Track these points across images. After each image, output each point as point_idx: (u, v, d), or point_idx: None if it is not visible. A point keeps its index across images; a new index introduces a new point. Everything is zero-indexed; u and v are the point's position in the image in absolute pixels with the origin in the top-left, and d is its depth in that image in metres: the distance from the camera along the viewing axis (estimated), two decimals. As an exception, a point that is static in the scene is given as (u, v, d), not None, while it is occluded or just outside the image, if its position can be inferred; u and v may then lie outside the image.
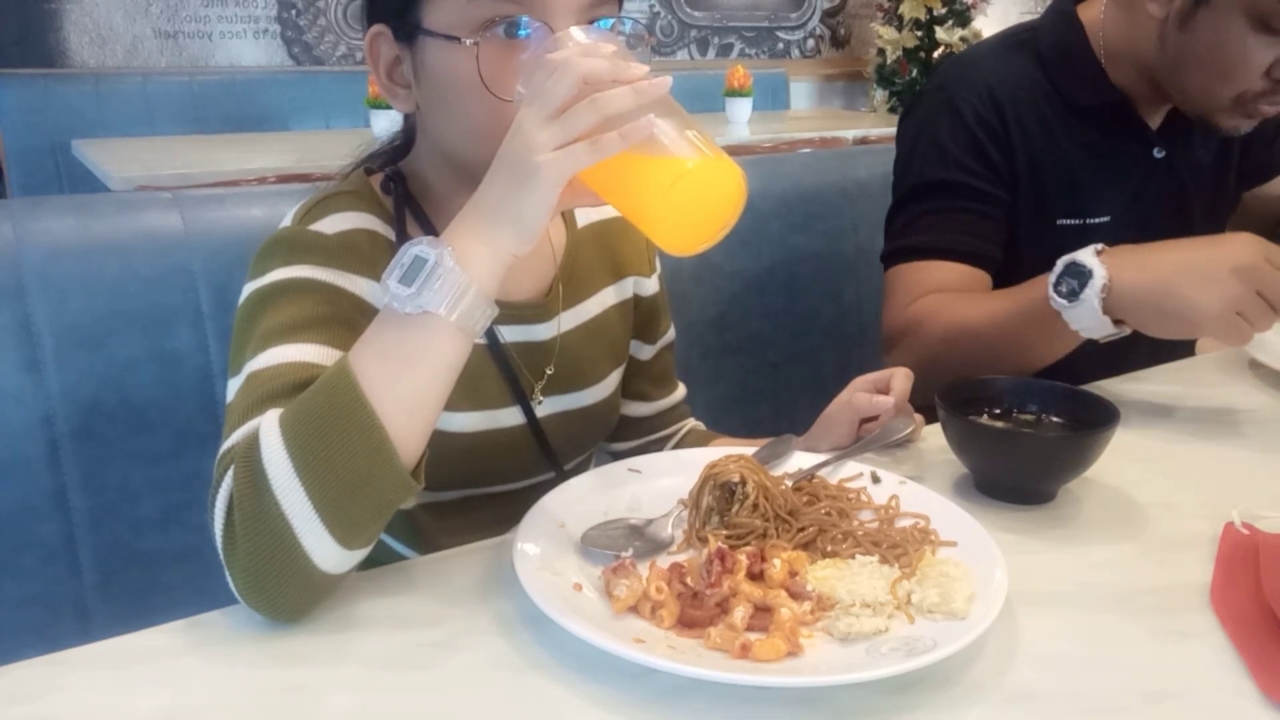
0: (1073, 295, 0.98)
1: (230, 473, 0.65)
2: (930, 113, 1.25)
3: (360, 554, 0.67)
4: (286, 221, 0.84)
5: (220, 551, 0.65)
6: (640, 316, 1.05)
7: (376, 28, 0.82)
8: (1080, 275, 0.99)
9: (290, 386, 0.70)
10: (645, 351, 1.08)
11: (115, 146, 2.75)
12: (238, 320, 0.78)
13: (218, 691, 0.60)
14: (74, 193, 2.93)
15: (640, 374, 1.08)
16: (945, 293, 1.18)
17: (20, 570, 1.00)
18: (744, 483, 0.77)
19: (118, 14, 3.43)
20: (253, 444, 0.64)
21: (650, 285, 1.05)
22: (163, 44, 3.53)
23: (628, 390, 1.06)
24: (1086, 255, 0.99)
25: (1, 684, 0.60)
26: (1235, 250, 0.96)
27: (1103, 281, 0.97)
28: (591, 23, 0.77)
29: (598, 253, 1.00)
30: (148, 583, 1.05)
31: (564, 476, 0.94)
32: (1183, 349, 1.33)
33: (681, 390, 1.13)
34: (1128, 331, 1.00)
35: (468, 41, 0.75)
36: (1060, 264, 1.01)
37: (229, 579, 0.65)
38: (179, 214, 1.06)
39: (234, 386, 0.74)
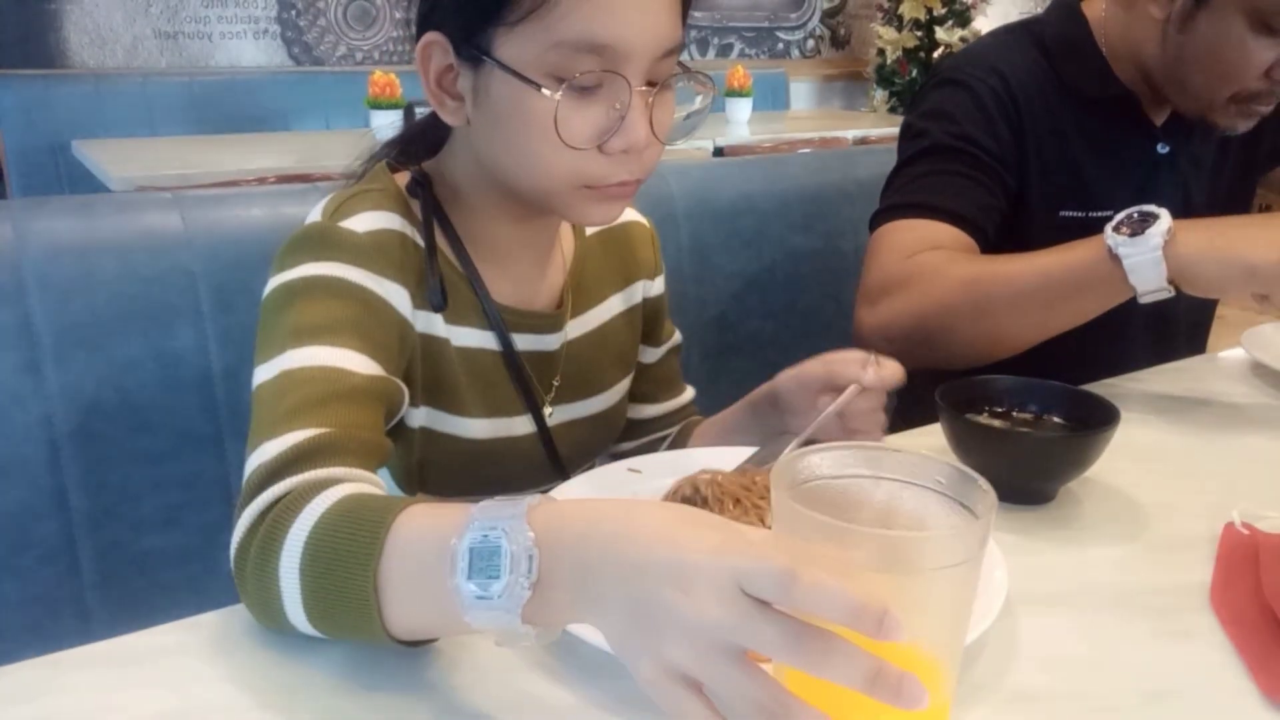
0: (1136, 234, 0.98)
1: (261, 505, 0.64)
2: (942, 92, 1.25)
3: None
4: (315, 216, 0.82)
5: (231, 561, 0.65)
6: (645, 319, 1.05)
7: (433, 36, 0.78)
8: (1146, 219, 0.99)
9: (326, 396, 0.70)
10: (650, 355, 1.07)
11: (115, 147, 2.75)
12: (265, 311, 0.77)
13: (218, 692, 0.60)
14: (74, 193, 2.94)
15: (645, 377, 1.07)
16: (955, 250, 1.15)
17: (20, 570, 1.00)
18: (702, 497, 0.76)
19: (118, 14, 3.43)
20: (289, 513, 0.62)
21: (655, 287, 1.05)
22: (163, 44, 3.53)
23: (634, 393, 1.06)
24: (1150, 206, 1.00)
25: (1, 684, 0.60)
26: None
27: (1169, 224, 0.97)
28: (656, 83, 0.75)
29: (604, 259, 0.99)
30: (148, 583, 1.05)
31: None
32: (1185, 349, 1.34)
33: (689, 393, 1.12)
34: (1171, 293, 0.99)
35: (547, 92, 0.73)
36: (1122, 213, 1.01)
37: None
38: (179, 214, 1.06)
39: (263, 376, 0.73)
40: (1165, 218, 0.98)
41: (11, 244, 0.97)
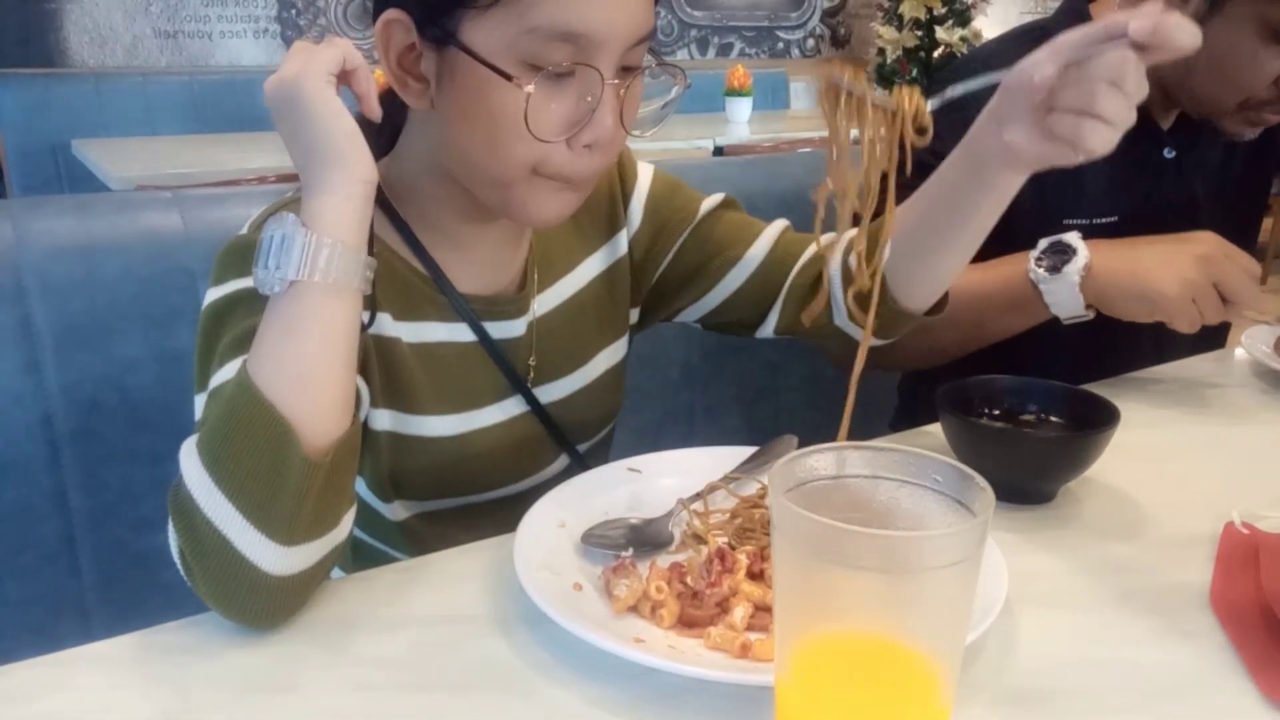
0: (1054, 270, 1.06)
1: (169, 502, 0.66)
2: (934, 104, 1.25)
3: (307, 550, 0.65)
4: (244, 229, 0.80)
5: (185, 578, 0.65)
6: (656, 245, 0.98)
7: (394, 14, 0.74)
8: (1064, 253, 1.06)
9: None
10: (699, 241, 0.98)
11: (115, 146, 2.75)
12: (199, 335, 0.75)
13: (217, 691, 0.60)
14: (74, 192, 2.94)
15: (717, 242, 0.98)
16: None
17: (20, 570, 1.00)
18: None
19: (118, 14, 3.44)
20: (179, 472, 0.65)
21: (636, 215, 0.98)
22: (163, 44, 3.53)
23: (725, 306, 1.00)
24: (1071, 237, 1.07)
25: (1, 684, 0.61)
26: (1200, 243, 1.05)
27: (1084, 260, 1.05)
28: (629, 66, 0.75)
29: (572, 222, 0.92)
30: (148, 583, 1.05)
31: (580, 461, 0.94)
32: (1185, 349, 1.33)
33: (778, 224, 1.02)
34: (1091, 316, 1.07)
35: (524, 87, 0.71)
36: (1044, 242, 1.08)
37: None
38: (179, 214, 1.06)
39: (200, 404, 0.73)
40: (1081, 253, 1.05)
41: (11, 244, 0.97)
